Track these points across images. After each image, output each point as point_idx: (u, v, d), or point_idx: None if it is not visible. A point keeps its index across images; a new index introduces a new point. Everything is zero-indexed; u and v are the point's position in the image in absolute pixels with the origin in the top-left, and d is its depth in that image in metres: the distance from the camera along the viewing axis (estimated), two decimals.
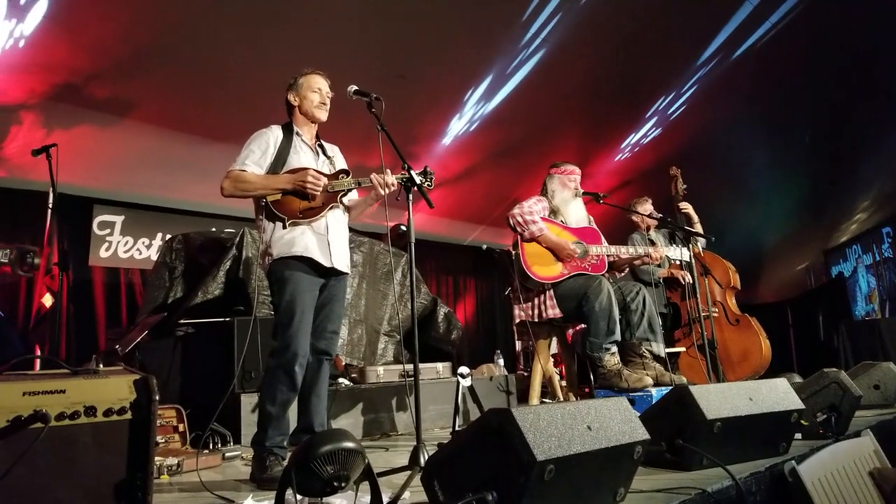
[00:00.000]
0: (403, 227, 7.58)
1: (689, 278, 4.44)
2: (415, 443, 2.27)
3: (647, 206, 4.74)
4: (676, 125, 8.50)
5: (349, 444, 1.61)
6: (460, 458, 1.47)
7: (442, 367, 4.41)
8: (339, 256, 2.56)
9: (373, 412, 3.78)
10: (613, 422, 1.60)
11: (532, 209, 3.37)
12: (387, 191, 2.54)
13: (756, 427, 2.18)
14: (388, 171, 2.62)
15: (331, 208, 2.53)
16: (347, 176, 2.61)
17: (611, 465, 1.57)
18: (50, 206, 4.61)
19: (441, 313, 5.08)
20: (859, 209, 10.40)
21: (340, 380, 3.99)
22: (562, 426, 1.46)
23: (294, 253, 2.43)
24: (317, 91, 2.63)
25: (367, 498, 1.70)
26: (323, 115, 2.65)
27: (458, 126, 6.94)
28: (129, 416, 1.07)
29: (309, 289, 2.46)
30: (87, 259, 5.33)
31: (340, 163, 2.75)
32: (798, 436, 2.68)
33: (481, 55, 6.13)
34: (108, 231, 5.44)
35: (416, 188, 2.38)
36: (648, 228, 4.75)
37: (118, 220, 5.48)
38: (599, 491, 1.59)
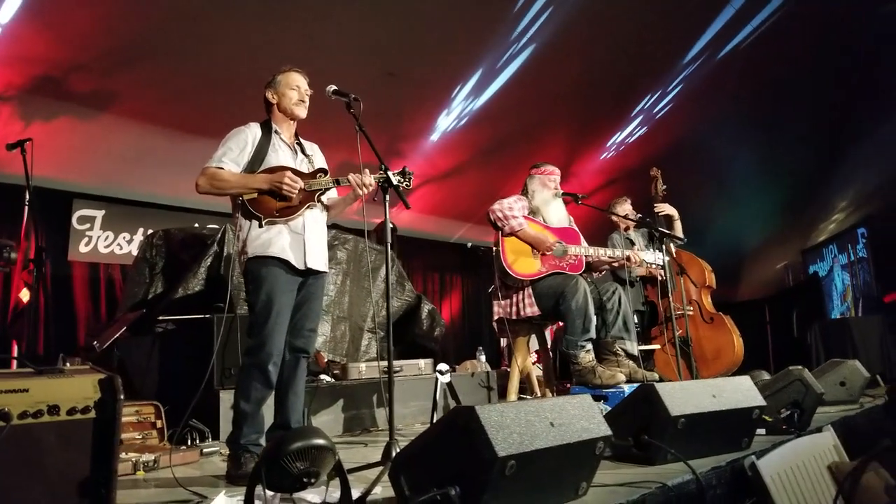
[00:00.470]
0: (391, 225, 7.60)
1: (663, 276, 4.52)
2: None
3: (625, 207, 4.80)
4: (662, 124, 8.58)
5: (319, 441, 1.65)
6: (427, 455, 1.52)
7: (424, 364, 4.45)
8: (315, 256, 2.56)
9: (353, 408, 3.81)
10: (576, 419, 1.65)
11: (512, 205, 3.42)
12: (364, 191, 2.56)
13: (719, 423, 2.24)
14: (367, 171, 2.64)
15: (308, 207, 2.54)
16: (325, 175, 2.61)
17: (573, 460, 1.62)
18: (26, 201, 4.59)
19: (425, 310, 5.12)
20: (837, 209, 10.57)
21: (322, 376, 4.01)
22: (525, 423, 1.50)
23: (270, 253, 2.44)
24: (295, 88, 2.62)
25: (338, 493, 1.73)
26: (302, 113, 2.64)
27: (446, 122, 6.95)
28: (93, 414, 1.09)
29: (286, 288, 2.46)
30: (66, 254, 5.29)
31: (319, 161, 2.75)
32: (762, 431, 2.76)
33: (471, 50, 6.13)
34: (88, 226, 5.41)
35: (392, 188, 2.39)
36: (627, 228, 4.80)
37: (98, 214, 5.45)
38: (562, 485, 1.64)
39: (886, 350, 5.70)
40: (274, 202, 2.49)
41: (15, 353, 4.65)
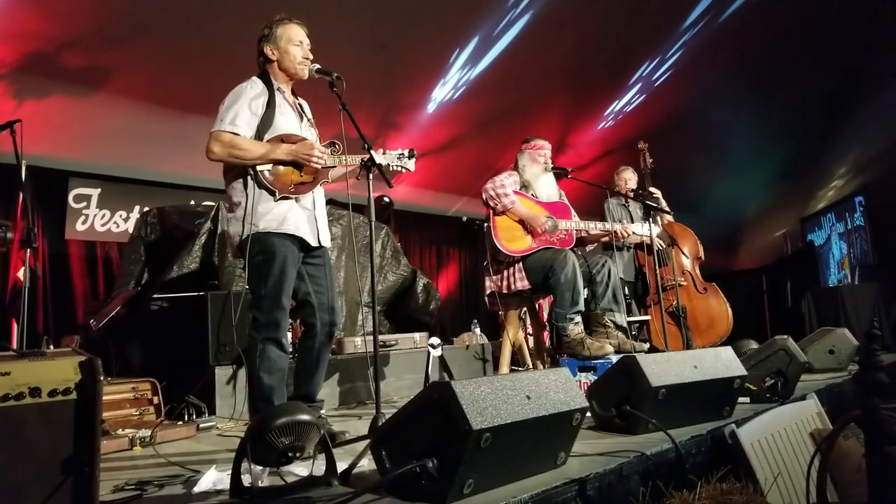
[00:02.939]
0: (386, 199, 7.54)
1: (659, 244, 4.55)
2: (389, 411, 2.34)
3: (627, 174, 4.80)
4: (660, 92, 8.49)
5: (303, 417, 1.70)
6: (406, 428, 1.56)
7: (419, 337, 4.50)
8: (325, 232, 2.53)
9: (349, 382, 3.88)
10: (552, 391, 1.69)
11: (504, 182, 3.43)
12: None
13: (700, 393, 2.29)
14: (381, 150, 2.61)
15: (322, 183, 2.47)
16: (339, 149, 2.50)
17: (550, 431, 1.67)
18: (22, 181, 4.60)
19: (420, 284, 5.16)
20: (836, 176, 10.52)
21: None
22: (501, 397, 1.54)
23: (285, 230, 2.34)
24: (298, 44, 2.44)
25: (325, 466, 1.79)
26: (306, 73, 2.45)
27: (442, 93, 6.88)
28: (74, 396, 1.13)
29: (294, 263, 2.40)
30: (63, 232, 5.32)
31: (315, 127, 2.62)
32: (747, 400, 2.82)
33: (467, 16, 6.02)
34: (84, 204, 5.43)
35: (376, 168, 2.38)
36: (628, 196, 4.82)
37: (94, 192, 5.46)
38: (540, 455, 1.69)
39: (879, 318, 5.74)
40: (292, 175, 2.37)
41: (14, 332, 4.74)
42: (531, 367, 3.63)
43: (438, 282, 8.44)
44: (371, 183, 2.39)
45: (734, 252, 11.94)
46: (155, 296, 3.61)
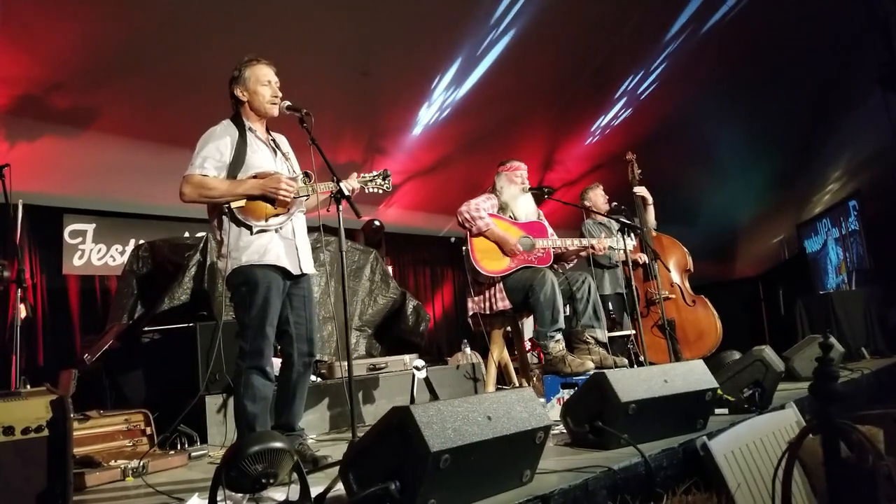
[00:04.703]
0: (377, 223, 7.62)
1: (644, 259, 4.62)
2: None
3: (597, 192, 4.89)
4: (647, 105, 8.61)
5: (276, 444, 1.76)
6: (370, 452, 1.63)
7: (409, 359, 4.54)
8: (306, 260, 2.60)
9: (339, 406, 3.93)
10: (516, 410, 1.76)
11: (479, 206, 3.51)
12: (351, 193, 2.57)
13: (672, 406, 2.34)
14: (354, 174, 2.70)
15: (298, 212, 2.55)
16: (310, 179, 2.56)
17: (514, 449, 1.73)
18: (19, 222, 4.71)
19: (410, 306, 5.23)
20: (831, 180, 10.58)
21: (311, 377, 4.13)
22: (461, 418, 1.61)
23: (266, 262, 2.43)
24: (266, 84, 2.52)
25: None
26: (276, 111, 2.54)
27: (427, 115, 7.00)
28: (45, 433, 1.20)
29: (279, 293, 2.48)
30: (60, 268, 5.42)
31: (293, 159, 2.70)
32: (724, 411, 2.87)
33: (448, 39, 6.14)
34: (80, 239, 5.53)
35: (345, 199, 2.46)
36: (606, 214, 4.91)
37: (90, 227, 5.57)
38: (505, 473, 1.75)
39: (870, 323, 5.78)
40: (264, 209, 2.45)
41: (15, 367, 4.82)
42: (517, 385, 3.68)
43: (434, 302, 8.49)
44: (341, 213, 2.46)
45: (731, 260, 11.97)
46: (146, 328, 3.69)
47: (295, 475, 1.84)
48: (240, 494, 1.90)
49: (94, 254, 5.59)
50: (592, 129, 8.57)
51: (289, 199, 2.47)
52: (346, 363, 4.28)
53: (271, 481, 1.75)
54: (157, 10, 4.49)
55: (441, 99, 6.81)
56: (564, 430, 2.48)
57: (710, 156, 9.75)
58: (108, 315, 4.58)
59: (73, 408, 3.51)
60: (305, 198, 2.56)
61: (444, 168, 7.52)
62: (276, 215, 2.48)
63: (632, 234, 3.57)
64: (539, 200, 3.85)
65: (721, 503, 1.88)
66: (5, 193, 3.13)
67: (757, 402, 2.83)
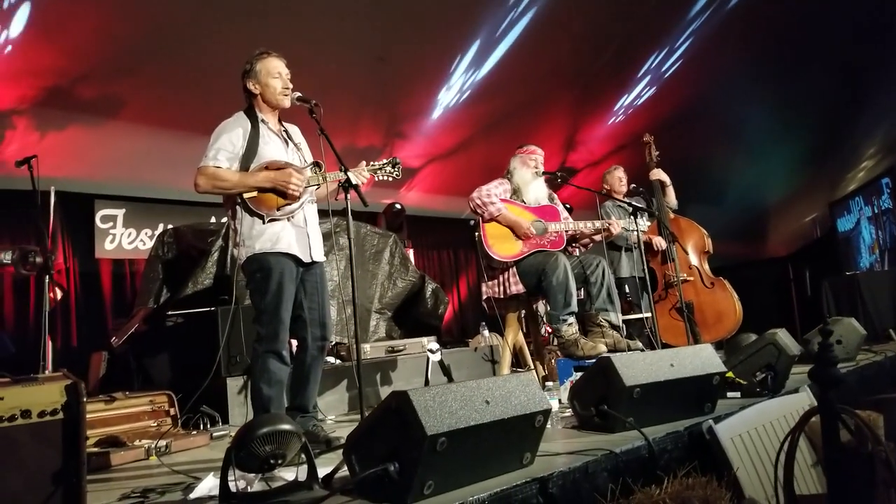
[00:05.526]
0: (398, 206, 7.68)
1: (662, 245, 4.58)
2: None
3: (616, 174, 4.85)
4: (672, 83, 8.44)
5: (284, 427, 1.83)
6: (371, 435, 1.68)
7: (427, 341, 4.62)
8: (317, 248, 2.68)
9: (356, 387, 4.01)
10: (515, 395, 1.79)
11: (490, 191, 3.53)
12: (362, 182, 2.60)
13: (678, 390, 2.35)
14: (363, 163, 2.74)
15: (308, 202, 2.62)
16: (320, 169, 2.63)
17: (512, 433, 1.77)
18: (51, 207, 4.88)
19: (429, 289, 5.29)
20: (865, 157, 10.26)
21: (328, 358, 4.23)
22: (459, 402, 1.65)
23: (278, 249, 2.51)
24: (277, 76, 2.59)
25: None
26: (287, 102, 2.61)
27: (447, 98, 6.98)
28: (60, 416, 1.29)
29: (292, 278, 2.56)
30: (93, 252, 5.61)
31: (306, 149, 2.77)
32: (737, 394, 2.86)
33: (465, 21, 6.11)
34: (111, 224, 5.71)
35: (353, 188, 2.49)
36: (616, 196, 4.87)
37: (120, 213, 5.75)
38: (505, 456, 1.79)
39: None
40: (275, 199, 2.53)
41: (50, 349, 5.03)
42: (531, 367, 3.71)
43: (458, 284, 8.53)
44: (349, 202, 2.50)
45: (763, 240, 11.73)
46: (170, 312, 3.82)
47: (304, 456, 1.91)
48: (252, 474, 1.98)
49: (124, 238, 5.77)
50: (615, 109, 8.44)
51: (298, 192, 2.53)
52: (365, 346, 4.39)
53: (279, 462, 1.82)
54: (178, 1, 4.56)
55: (460, 81, 6.78)
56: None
57: (739, 134, 9.52)
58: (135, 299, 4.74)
59: (101, 389, 3.69)
60: (316, 187, 2.61)
61: (464, 151, 7.51)
62: (288, 205, 2.55)
63: (645, 217, 3.55)
64: (554, 185, 3.84)
65: (722, 486, 1.89)
66: (33, 183, 3.26)
67: (769, 385, 2.81)
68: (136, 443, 2.90)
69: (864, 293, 5.44)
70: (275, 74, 2.60)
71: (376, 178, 2.70)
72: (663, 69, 8.23)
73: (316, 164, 2.63)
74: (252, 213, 2.52)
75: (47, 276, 3.35)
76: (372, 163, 2.68)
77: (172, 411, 3.33)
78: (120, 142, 5.21)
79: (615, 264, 4.86)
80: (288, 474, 2.06)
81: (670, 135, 7.92)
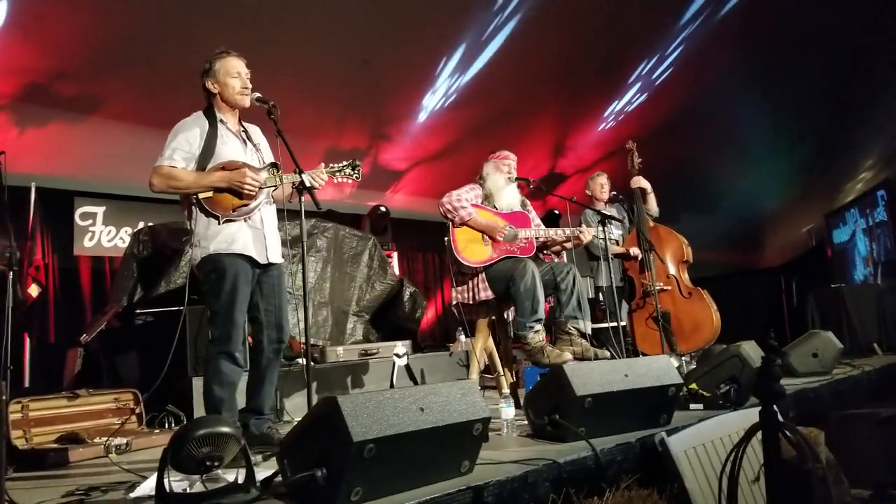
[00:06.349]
0: (383, 209, 7.64)
1: (637, 253, 4.56)
2: None
3: (599, 181, 4.84)
4: (663, 90, 8.42)
5: (222, 429, 1.81)
6: (303, 440, 1.67)
7: (401, 345, 4.60)
8: (274, 249, 2.65)
9: (326, 390, 4.00)
10: (453, 403, 1.77)
11: (461, 196, 3.51)
12: (320, 184, 2.59)
13: (632, 401, 2.33)
14: (322, 165, 2.72)
15: (265, 203, 2.59)
16: (278, 170, 2.61)
17: (449, 440, 1.75)
18: (32, 204, 4.87)
19: (407, 293, 5.28)
20: (863, 168, 10.23)
21: (299, 360, 4.21)
22: (391, 409, 1.63)
23: (234, 250, 2.50)
24: (236, 76, 2.57)
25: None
26: (246, 102, 2.59)
27: (432, 101, 6.97)
28: None
29: (247, 279, 2.55)
30: (72, 249, 5.59)
31: (266, 150, 2.75)
32: (699, 406, 2.84)
33: (451, 24, 6.10)
34: (90, 222, 5.69)
35: (307, 191, 2.47)
36: (609, 202, 4.86)
37: (99, 210, 5.73)
38: (441, 464, 1.77)
39: (882, 317, 5.62)
40: (231, 200, 2.51)
41: (27, 345, 5.01)
42: (501, 374, 3.69)
43: (442, 288, 8.50)
44: (303, 204, 2.48)
45: (759, 250, 11.70)
46: (139, 311, 3.80)
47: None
48: (195, 476, 1.96)
49: (104, 236, 5.75)
50: (605, 115, 8.43)
51: (254, 192, 2.51)
52: (338, 348, 4.37)
53: (216, 464, 1.80)
54: (156, 4, 4.55)
55: (446, 85, 6.77)
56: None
57: (734, 142, 9.49)
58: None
59: (76, 385, 3.67)
60: (273, 188, 2.60)
61: (451, 154, 7.49)
62: (244, 206, 2.53)
63: (613, 225, 3.54)
64: (527, 192, 3.83)
65: (663, 499, 1.87)
66: (0, 179, 3.24)
67: (732, 398, 2.79)
68: (97, 440, 2.88)
69: (849, 306, 5.42)
70: (234, 74, 2.58)
71: (335, 180, 2.68)
72: (654, 76, 8.22)
73: (273, 166, 2.62)
74: (207, 214, 2.50)
75: (11, 273, 3.32)
76: (331, 165, 2.67)
77: (138, 409, 3.32)
78: (100, 139, 5.20)
79: (594, 272, 4.84)
80: (231, 476, 2.04)
81: (663, 142, 7.91)
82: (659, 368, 2.41)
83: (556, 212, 7.59)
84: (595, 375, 2.27)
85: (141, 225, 5.92)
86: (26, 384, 4.65)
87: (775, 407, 1.68)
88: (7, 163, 3.23)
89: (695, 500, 2.19)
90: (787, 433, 1.70)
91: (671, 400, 2.43)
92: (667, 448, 2.23)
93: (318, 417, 1.60)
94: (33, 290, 5.04)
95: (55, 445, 2.82)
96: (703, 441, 2.36)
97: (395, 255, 7.07)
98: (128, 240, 5.92)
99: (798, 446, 1.65)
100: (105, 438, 2.88)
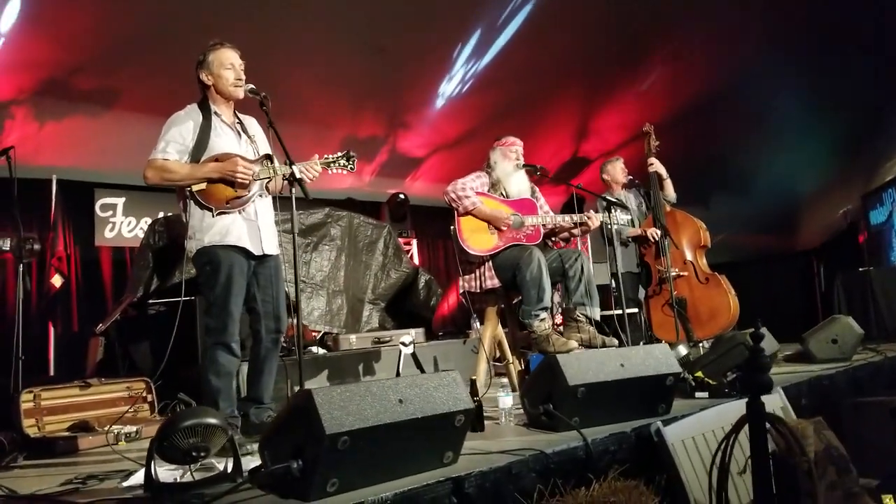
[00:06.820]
0: (402, 196, 7.65)
1: (656, 234, 4.46)
2: None
3: (616, 166, 4.76)
4: (691, 68, 8.15)
5: (209, 420, 1.84)
6: (281, 431, 1.68)
7: (415, 333, 4.60)
8: (269, 241, 2.66)
9: (338, 378, 4.04)
10: (435, 394, 1.76)
11: (466, 185, 3.48)
12: (313, 175, 2.60)
13: (628, 391, 2.29)
14: (315, 156, 2.72)
15: (259, 194, 2.61)
16: (271, 162, 2.63)
17: (431, 432, 1.74)
18: (53, 196, 5.00)
19: (422, 281, 5.28)
20: None
21: (311, 348, 4.26)
22: (368, 401, 1.63)
23: (228, 242, 2.52)
24: (230, 67, 2.58)
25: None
26: (240, 93, 2.59)
27: (449, 88, 6.90)
28: None
29: (242, 271, 2.57)
30: (93, 240, 5.74)
31: (261, 141, 2.74)
32: (705, 395, 2.78)
33: (465, 10, 6.01)
34: (110, 213, 5.82)
35: (297, 182, 2.47)
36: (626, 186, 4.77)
37: (119, 201, 5.85)
38: (423, 455, 1.76)
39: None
40: (225, 191, 2.53)
41: (52, 333, 5.18)
42: (511, 361, 3.67)
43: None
44: (294, 195, 2.48)
45: (794, 233, 11.36)
46: (152, 301, 3.88)
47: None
48: (187, 465, 2.00)
49: (124, 226, 5.88)
50: (630, 97, 8.21)
51: (247, 182, 2.51)
52: (351, 336, 4.40)
53: (203, 454, 1.83)
54: None
55: (462, 72, 6.69)
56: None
57: (767, 121, 9.17)
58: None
59: (98, 373, 3.78)
60: (267, 180, 2.60)
61: (470, 140, 7.41)
62: (237, 197, 2.54)
63: (617, 211, 3.47)
64: (535, 179, 3.77)
65: (650, 490, 1.84)
66: (10, 174, 3.34)
67: (738, 386, 2.72)
68: (107, 428, 2.96)
69: (877, 290, 5.23)
70: (227, 65, 2.58)
71: (329, 172, 2.67)
72: (682, 55, 7.95)
73: (267, 157, 2.62)
74: (201, 206, 2.52)
75: (21, 265, 3.43)
76: (326, 156, 2.66)
77: (150, 398, 3.40)
78: (119, 132, 5.29)
79: (609, 260, 4.76)
80: (220, 466, 2.08)
81: (693, 123, 7.67)
82: (656, 357, 2.36)
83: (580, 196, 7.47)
84: (589, 365, 2.24)
85: (160, 215, 6.04)
86: (51, 372, 4.82)
87: (762, 398, 1.62)
88: (27, 156, 3.33)
89: (690, 490, 2.15)
90: (775, 426, 1.65)
91: (669, 389, 2.38)
92: (662, 438, 2.19)
93: (294, 409, 1.61)
94: (56, 281, 5.19)
95: (65, 433, 2.90)
96: (701, 431, 2.31)
97: (414, 242, 7.08)
98: None
99: (784, 439, 1.59)
100: (115, 427, 2.96)
